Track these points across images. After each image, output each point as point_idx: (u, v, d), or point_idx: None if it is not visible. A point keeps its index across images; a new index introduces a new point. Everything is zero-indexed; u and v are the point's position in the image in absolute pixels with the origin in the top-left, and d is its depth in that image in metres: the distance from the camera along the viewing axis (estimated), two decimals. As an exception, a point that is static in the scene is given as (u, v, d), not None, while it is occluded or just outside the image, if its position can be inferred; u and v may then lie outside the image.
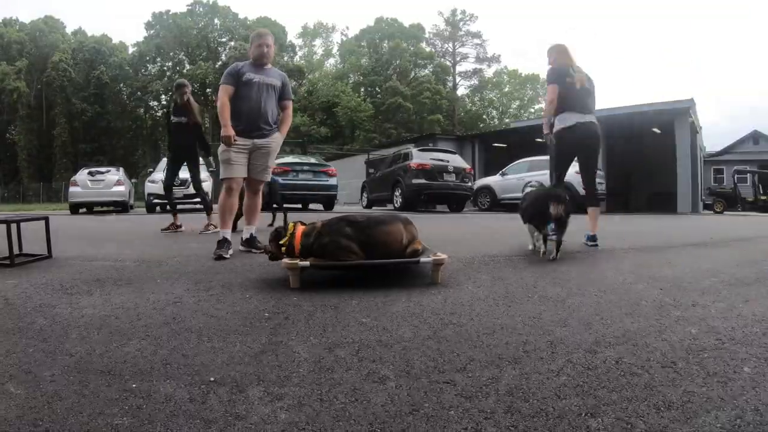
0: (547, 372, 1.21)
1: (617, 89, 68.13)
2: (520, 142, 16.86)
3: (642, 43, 71.31)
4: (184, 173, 10.34)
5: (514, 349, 1.37)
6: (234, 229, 3.49)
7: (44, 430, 0.94)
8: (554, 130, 3.57)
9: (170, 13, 39.80)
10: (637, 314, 1.73)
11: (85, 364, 1.27)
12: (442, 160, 10.29)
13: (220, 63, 36.66)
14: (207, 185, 10.63)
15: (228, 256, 2.94)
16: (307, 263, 2.14)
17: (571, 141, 3.52)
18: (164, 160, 12.02)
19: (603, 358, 1.30)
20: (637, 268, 2.71)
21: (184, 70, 38.54)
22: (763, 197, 15.75)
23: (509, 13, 70.66)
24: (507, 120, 39.02)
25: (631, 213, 12.36)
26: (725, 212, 14.64)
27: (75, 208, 10.91)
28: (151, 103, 40.19)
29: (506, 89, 44.54)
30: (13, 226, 2.89)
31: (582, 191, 3.91)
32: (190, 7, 39.86)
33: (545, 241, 2.96)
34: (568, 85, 3.48)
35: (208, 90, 36.53)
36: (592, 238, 3.54)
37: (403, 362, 1.28)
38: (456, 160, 10.60)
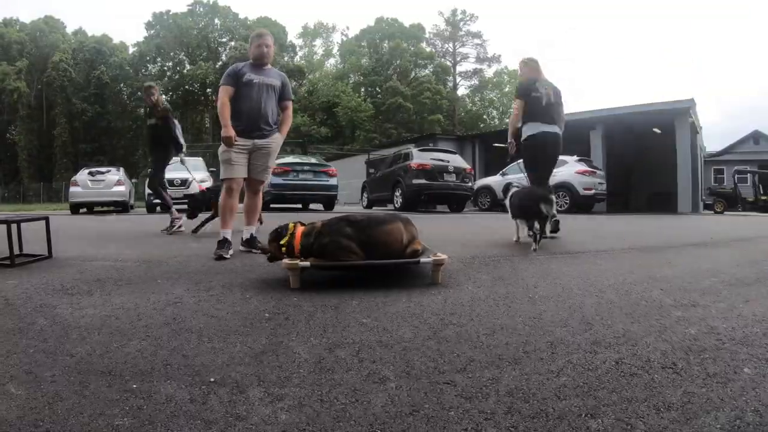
0: (547, 372, 1.21)
1: (617, 89, 68.25)
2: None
3: (642, 43, 71.38)
4: (184, 173, 10.38)
5: (515, 350, 1.37)
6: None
7: (45, 431, 0.94)
8: (522, 137, 4.04)
9: (170, 13, 39.89)
10: (637, 314, 1.73)
11: (86, 365, 1.27)
12: (442, 161, 10.30)
13: (220, 63, 36.72)
14: (207, 185, 10.67)
15: (228, 256, 2.94)
16: (307, 263, 2.14)
17: (538, 146, 3.99)
18: (165, 160, 12.07)
19: (603, 358, 1.30)
20: (637, 268, 2.71)
21: (185, 70, 38.63)
22: (763, 197, 15.74)
23: (509, 13, 70.79)
24: (507, 120, 38.99)
25: (631, 213, 12.36)
26: (725, 212, 14.64)
27: (75, 208, 10.92)
28: (151, 103, 40.15)
29: (507, 89, 44.47)
30: (14, 227, 2.90)
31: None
32: (190, 7, 39.93)
33: (535, 236, 3.26)
34: (534, 99, 3.92)
35: (208, 90, 36.60)
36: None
37: (404, 363, 1.28)
38: (456, 161, 10.60)
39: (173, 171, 10.70)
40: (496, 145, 18.34)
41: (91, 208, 11.30)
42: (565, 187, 10.52)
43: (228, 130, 3.00)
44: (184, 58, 39.71)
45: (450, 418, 0.99)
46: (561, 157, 11.88)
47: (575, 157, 11.02)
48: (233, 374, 1.21)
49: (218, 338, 1.48)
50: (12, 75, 35.23)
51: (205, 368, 1.25)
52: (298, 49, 45.35)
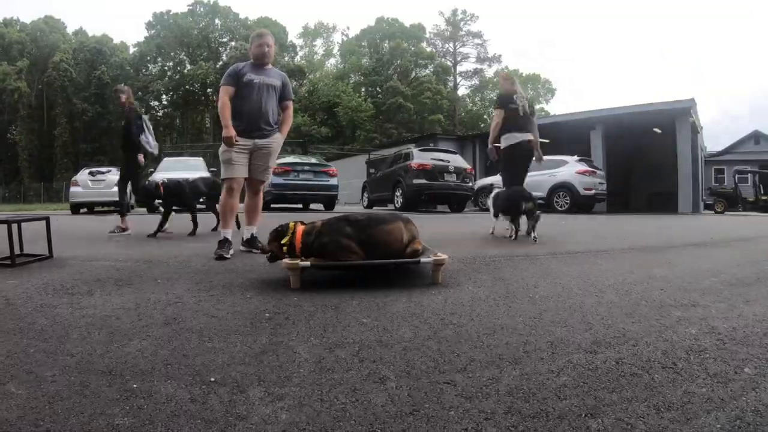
0: (548, 372, 1.21)
1: (617, 89, 68.23)
2: (520, 142, 16.84)
3: (642, 43, 71.41)
4: (184, 173, 10.40)
5: (515, 350, 1.38)
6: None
7: (45, 430, 0.94)
8: (503, 146, 4.47)
9: (171, 13, 39.91)
10: (638, 314, 1.73)
11: (86, 365, 1.27)
12: (442, 160, 10.29)
13: (220, 63, 36.74)
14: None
15: (229, 256, 2.94)
16: (307, 263, 2.14)
17: (517, 154, 4.44)
18: (165, 160, 12.11)
19: (603, 358, 1.30)
20: (637, 268, 2.71)
21: (185, 70, 38.65)
22: (763, 197, 15.74)
23: (510, 13, 70.84)
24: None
25: (632, 213, 12.35)
26: (726, 212, 14.63)
27: (76, 208, 10.93)
28: (152, 103, 40.25)
29: (507, 89, 44.42)
30: (14, 226, 2.90)
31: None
32: (190, 7, 39.95)
33: (516, 230, 3.97)
34: (512, 110, 4.36)
35: (209, 90, 36.63)
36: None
37: (404, 362, 1.28)
38: (457, 160, 10.60)
39: (173, 171, 10.76)
40: (497, 145, 18.38)
41: (91, 208, 11.31)
42: (565, 187, 10.52)
43: (229, 130, 3.00)
44: (185, 58, 39.72)
45: (450, 417, 0.99)
46: (561, 157, 11.90)
47: (575, 157, 11.02)
48: (233, 374, 1.21)
49: (218, 338, 1.48)
50: (13, 75, 35.27)
51: (205, 368, 1.25)
52: (298, 49, 45.43)
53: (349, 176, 17.19)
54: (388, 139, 30.27)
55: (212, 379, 1.18)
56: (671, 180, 13.39)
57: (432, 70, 41.00)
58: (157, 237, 4.33)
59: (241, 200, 3.36)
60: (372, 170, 15.11)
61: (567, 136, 14.63)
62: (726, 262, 3.01)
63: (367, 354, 1.34)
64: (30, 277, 2.41)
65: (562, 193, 10.59)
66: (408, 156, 10.56)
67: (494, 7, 68.00)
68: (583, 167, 10.80)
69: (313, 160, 11.57)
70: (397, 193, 10.50)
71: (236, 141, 3.02)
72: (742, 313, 1.74)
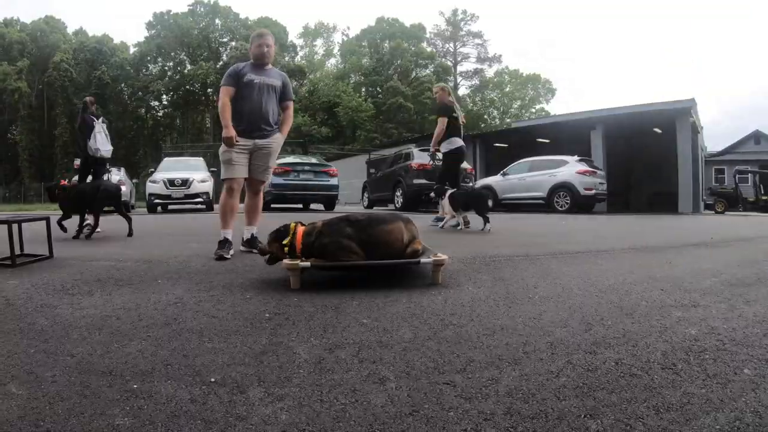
0: (547, 373, 1.21)
1: (617, 89, 68.23)
2: (521, 142, 16.87)
3: (642, 43, 71.36)
4: (184, 173, 10.42)
5: (514, 350, 1.38)
6: None
7: (45, 431, 0.94)
8: (445, 150, 5.20)
9: (171, 13, 39.86)
10: (638, 315, 1.73)
11: (86, 365, 1.28)
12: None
13: (221, 63, 36.71)
14: (208, 185, 10.69)
15: (229, 256, 2.95)
16: (307, 264, 2.14)
17: (457, 158, 5.29)
18: (165, 160, 12.12)
19: (603, 359, 1.30)
20: (637, 268, 2.71)
21: (185, 70, 38.63)
22: (764, 197, 15.73)
23: (510, 13, 70.74)
24: (508, 120, 38.95)
25: (632, 213, 12.34)
26: (726, 212, 14.61)
27: (76, 209, 10.91)
28: (152, 103, 40.27)
29: (507, 89, 44.51)
30: (14, 227, 2.90)
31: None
32: (191, 7, 39.91)
33: (466, 221, 4.95)
34: (454, 119, 5.09)
35: (209, 90, 36.60)
36: (440, 219, 5.28)
37: (403, 363, 1.28)
38: (457, 160, 10.59)
39: (173, 171, 10.77)
40: (498, 145, 18.38)
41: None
42: (565, 187, 10.52)
43: (229, 131, 3.00)
44: (185, 58, 39.69)
45: (449, 418, 0.99)
46: (562, 157, 11.90)
47: (576, 157, 11.01)
48: (233, 374, 1.21)
49: (219, 338, 1.48)
50: (13, 75, 35.27)
51: (205, 368, 1.25)
52: (298, 49, 45.37)
53: (349, 176, 17.19)
54: (389, 139, 30.23)
55: (212, 380, 1.18)
56: (671, 180, 13.39)
57: (432, 70, 40.92)
58: (80, 237, 4.36)
59: (242, 200, 3.36)
60: (372, 170, 15.11)
61: (567, 136, 14.63)
62: (726, 262, 3.01)
63: (367, 354, 1.35)
64: (30, 277, 2.41)
65: (562, 193, 10.59)
66: (408, 156, 10.55)
67: (494, 7, 67.96)
68: (584, 167, 10.79)
69: (314, 160, 11.58)
70: (398, 193, 10.50)
71: (236, 141, 3.03)
72: (743, 313, 1.74)
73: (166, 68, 39.72)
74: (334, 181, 10.61)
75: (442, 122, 5.06)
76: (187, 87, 38.29)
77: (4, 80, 34.92)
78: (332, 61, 47.60)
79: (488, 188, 12.12)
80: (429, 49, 42.45)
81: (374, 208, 11.97)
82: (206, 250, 3.16)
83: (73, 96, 35.24)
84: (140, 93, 38.56)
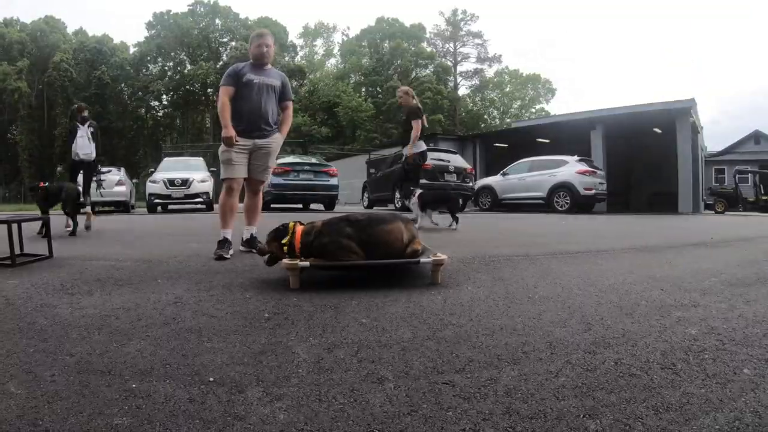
0: (546, 373, 1.21)
1: (617, 89, 68.20)
2: (521, 142, 16.87)
3: (642, 43, 71.35)
4: (184, 173, 10.50)
5: (514, 350, 1.37)
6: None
7: (44, 430, 0.94)
8: (415, 151, 5.35)
9: (171, 13, 39.85)
10: (637, 315, 1.73)
11: (86, 364, 1.27)
12: (443, 160, 10.29)
13: (221, 63, 36.70)
14: (208, 185, 10.70)
15: (228, 256, 2.95)
16: (307, 263, 2.14)
17: (422, 160, 5.52)
18: (165, 160, 12.13)
19: (602, 359, 1.30)
20: (637, 268, 2.71)
21: (185, 70, 38.62)
22: (764, 197, 15.72)
23: (510, 13, 70.71)
24: (508, 120, 39.01)
25: (632, 213, 12.34)
26: (726, 212, 14.61)
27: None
28: (152, 103, 40.28)
29: (507, 89, 44.51)
30: (14, 226, 2.90)
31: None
32: (191, 7, 39.90)
33: (434, 222, 5.14)
34: (421, 122, 5.30)
35: (209, 90, 36.59)
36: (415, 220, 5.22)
37: (402, 363, 1.28)
38: (457, 160, 10.60)
39: (173, 171, 10.77)
40: (497, 145, 18.38)
41: (92, 208, 11.31)
42: (565, 187, 10.52)
43: (228, 131, 3.00)
44: (185, 58, 39.68)
45: (448, 418, 0.99)
46: (562, 157, 11.94)
47: (576, 157, 11.01)
48: (232, 374, 1.21)
49: (218, 338, 1.48)
50: (13, 75, 35.25)
51: (204, 368, 1.25)
52: (298, 49, 45.35)
53: (349, 176, 17.18)
54: (389, 139, 30.20)
55: (211, 379, 1.18)
56: (671, 180, 13.38)
57: (432, 70, 40.91)
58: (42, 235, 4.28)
59: (241, 200, 3.36)
60: (372, 170, 15.09)
61: (567, 136, 14.63)
62: (726, 262, 3.01)
63: (366, 354, 1.34)
64: (30, 277, 2.41)
65: (562, 193, 10.59)
66: (408, 156, 10.54)
67: (494, 7, 67.91)
68: (584, 167, 10.80)
69: (314, 160, 11.58)
70: (398, 193, 10.50)
71: (236, 141, 3.03)
72: (742, 313, 1.74)
73: (166, 68, 39.71)
74: (334, 181, 10.61)
75: (417, 126, 5.25)
76: (187, 87, 38.30)
77: (4, 80, 34.91)
78: (332, 61, 47.64)
79: (488, 188, 12.15)
80: (429, 49, 42.43)
81: (374, 208, 11.97)
82: (206, 249, 3.16)
83: (73, 96, 35.20)
84: (140, 93, 38.55)
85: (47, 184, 4.83)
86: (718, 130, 58.94)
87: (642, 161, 16.76)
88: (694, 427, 0.95)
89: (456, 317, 1.70)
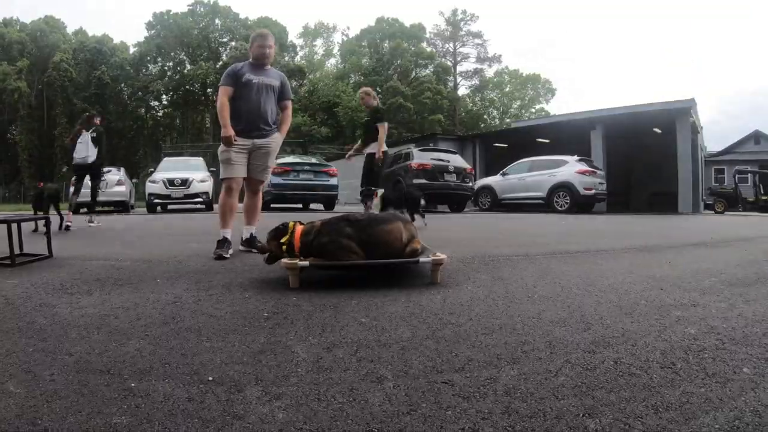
0: (546, 372, 1.21)
1: (617, 89, 68.22)
2: (521, 142, 16.87)
3: (642, 43, 71.31)
4: (184, 173, 10.60)
5: (513, 350, 1.37)
6: None
7: (43, 429, 0.94)
8: (369, 152, 5.24)
9: (171, 13, 39.81)
10: (637, 314, 1.73)
11: (85, 364, 1.27)
12: (442, 160, 10.30)
13: (220, 63, 36.66)
14: (208, 185, 10.70)
15: (228, 255, 2.94)
16: (306, 263, 2.14)
17: (385, 160, 5.46)
18: (165, 160, 12.12)
19: (602, 358, 1.30)
20: (637, 267, 2.71)
21: (185, 70, 38.62)
22: (764, 197, 15.73)
23: (510, 13, 70.58)
24: (508, 120, 38.99)
25: (632, 213, 12.35)
26: (726, 212, 14.62)
27: (76, 208, 10.92)
28: (152, 103, 40.27)
29: (507, 89, 44.47)
30: (14, 226, 2.90)
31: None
32: (191, 7, 39.88)
33: (413, 217, 5.01)
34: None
35: (209, 90, 36.59)
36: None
37: (402, 362, 1.28)
38: (457, 160, 10.60)
39: (173, 171, 10.77)
40: (497, 145, 18.37)
41: (91, 208, 11.30)
42: (565, 187, 10.52)
43: (227, 130, 3.00)
44: (185, 58, 39.66)
45: (447, 417, 0.99)
46: (561, 157, 11.95)
47: (575, 157, 11.02)
48: (231, 373, 1.21)
49: (217, 337, 1.48)
50: (13, 75, 35.24)
51: (203, 367, 1.25)
52: (298, 49, 45.30)
53: (349, 176, 17.15)
54: (388, 139, 30.14)
55: (210, 379, 1.18)
56: (671, 180, 13.38)
57: (432, 70, 40.90)
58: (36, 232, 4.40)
59: (241, 200, 3.36)
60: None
61: (567, 136, 14.62)
62: (726, 261, 3.01)
63: (365, 354, 1.34)
64: (30, 277, 2.41)
65: (562, 193, 10.59)
66: (408, 156, 10.56)
67: (494, 7, 67.78)
68: (583, 167, 10.80)
69: (313, 160, 11.59)
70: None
71: (235, 141, 3.03)
72: (742, 313, 1.74)
73: (166, 68, 39.69)
74: (333, 181, 10.62)
75: (384, 128, 5.18)
76: (187, 87, 38.29)
77: (4, 80, 34.90)
78: (332, 61, 47.59)
79: (488, 188, 12.15)
80: (429, 49, 42.40)
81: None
82: (205, 249, 3.16)
83: (73, 96, 35.26)
84: (140, 93, 38.51)
85: (43, 184, 4.99)
86: (718, 130, 59.01)
87: (642, 161, 16.75)
88: (694, 426, 0.95)
89: (455, 317, 1.70)
